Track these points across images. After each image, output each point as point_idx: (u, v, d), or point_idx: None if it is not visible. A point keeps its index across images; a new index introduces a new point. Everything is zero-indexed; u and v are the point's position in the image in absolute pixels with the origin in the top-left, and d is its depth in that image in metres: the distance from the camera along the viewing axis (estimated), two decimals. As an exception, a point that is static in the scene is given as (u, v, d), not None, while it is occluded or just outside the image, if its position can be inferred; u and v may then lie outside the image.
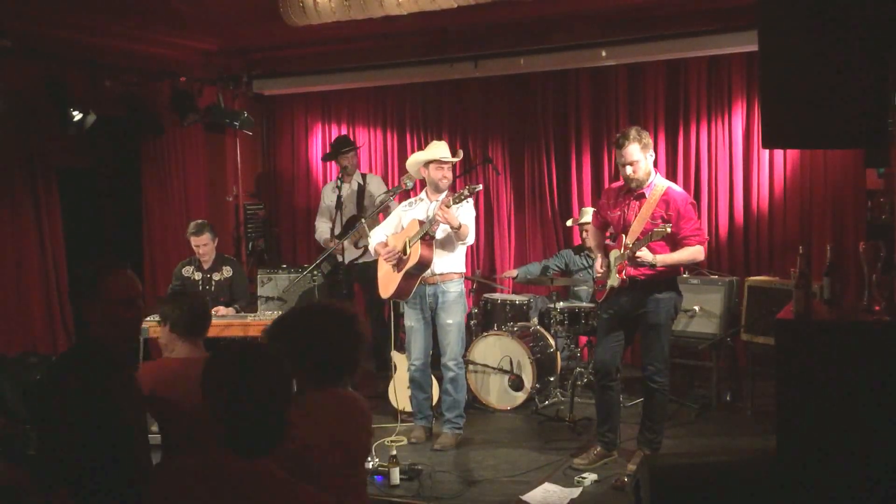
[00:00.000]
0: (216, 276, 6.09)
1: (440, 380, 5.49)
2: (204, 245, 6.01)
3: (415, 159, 5.24)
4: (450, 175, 5.16)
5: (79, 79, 6.39)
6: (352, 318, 2.57)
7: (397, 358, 5.73)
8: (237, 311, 5.97)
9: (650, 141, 4.48)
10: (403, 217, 5.22)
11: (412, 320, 5.20)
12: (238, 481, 1.97)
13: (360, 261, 6.38)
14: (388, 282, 5.19)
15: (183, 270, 6.14)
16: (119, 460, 2.52)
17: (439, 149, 5.18)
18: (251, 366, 2.04)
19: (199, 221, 6.17)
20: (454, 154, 5.25)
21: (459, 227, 4.90)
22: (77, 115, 6.23)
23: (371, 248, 5.33)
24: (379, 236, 5.25)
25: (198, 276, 6.10)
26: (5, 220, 6.44)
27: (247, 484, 1.97)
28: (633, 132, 4.41)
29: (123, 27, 6.49)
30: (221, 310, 5.83)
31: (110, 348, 2.62)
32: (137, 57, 6.96)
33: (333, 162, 7.17)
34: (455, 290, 5.13)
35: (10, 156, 6.41)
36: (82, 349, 2.74)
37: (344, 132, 8.05)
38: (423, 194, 5.24)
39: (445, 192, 5.12)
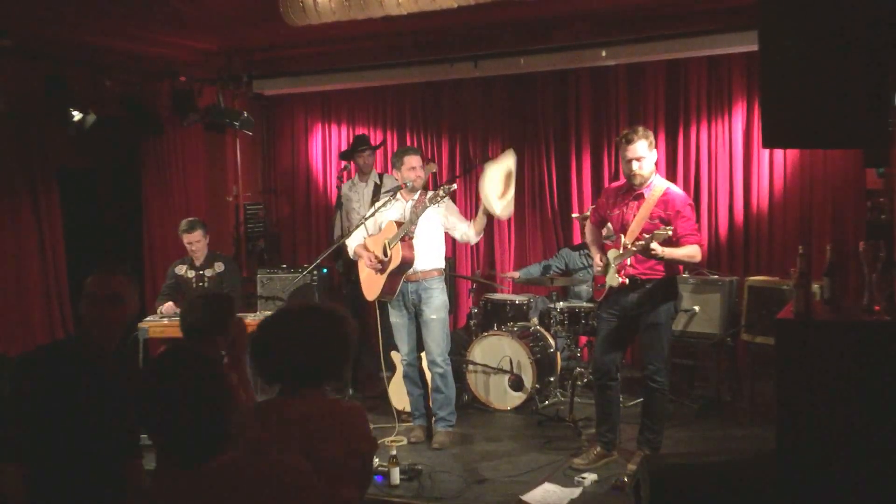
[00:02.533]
0: (208, 273, 6.12)
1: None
2: (196, 242, 6.04)
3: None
4: (423, 174, 5.20)
5: (79, 79, 6.39)
6: (338, 321, 2.47)
7: (397, 358, 5.73)
8: None
9: (654, 140, 4.54)
10: (378, 218, 5.24)
11: (396, 316, 5.23)
12: (210, 484, 1.88)
13: None
14: (371, 284, 5.20)
15: (176, 269, 6.16)
16: (73, 447, 2.67)
17: (410, 153, 5.26)
18: (177, 372, 1.93)
19: (191, 219, 6.19)
20: (425, 162, 5.33)
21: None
22: (77, 115, 6.24)
23: (350, 251, 5.35)
24: (357, 239, 5.27)
25: (191, 273, 6.12)
26: (5, 220, 6.44)
27: (220, 481, 1.88)
28: (641, 129, 4.48)
29: (123, 27, 6.48)
30: None
31: (91, 342, 2.82)
32: (137, 57, 6.96)
33: (341, 161, 7.18)
34: (437, 286, 5.16)
35: (10, 156, 6.41)
36: (63, 341, 3.01)
37: (344, 132, 8.06)
38: (397, 194, 5.25)
39: (419, 192, 5.14)
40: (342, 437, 2.35)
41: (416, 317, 5.20)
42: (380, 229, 5.21)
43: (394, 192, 5.30)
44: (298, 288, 6.35)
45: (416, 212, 4.99)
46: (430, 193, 4.97)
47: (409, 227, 4.97)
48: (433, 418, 5.26)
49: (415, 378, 5.33)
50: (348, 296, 6.81)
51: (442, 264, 5.25)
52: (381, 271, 5.10)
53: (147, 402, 1.92)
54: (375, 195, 6.67)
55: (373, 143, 7.31)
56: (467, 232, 5.16)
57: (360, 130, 7.99)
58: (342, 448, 2.34)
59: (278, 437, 2.32)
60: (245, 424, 2.36)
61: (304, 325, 2.44)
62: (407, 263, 5.02)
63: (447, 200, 5.06)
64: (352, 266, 6.48)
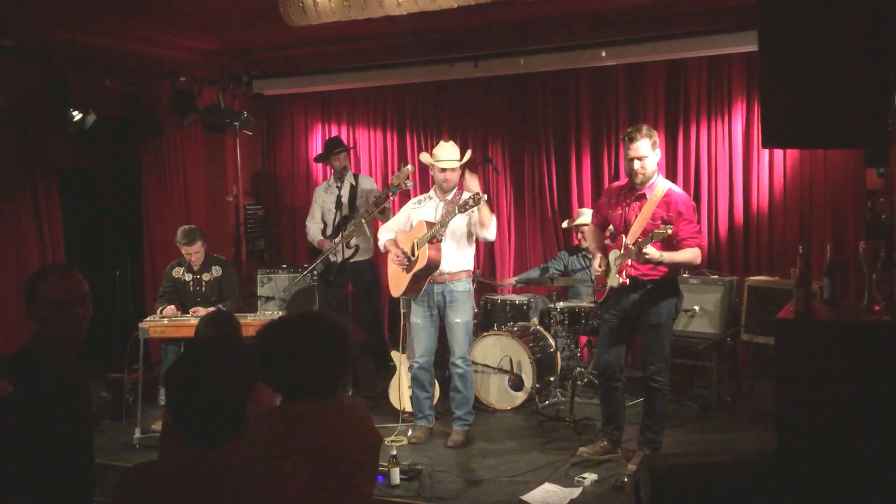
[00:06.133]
0: (206, 277, 6.08)
1: (440, 380, 5.48)
2: (196, 253, 6.00)
3: (424, 160, 5.32)
4: (453, 177, 5.16)
5: (79, 79, 6.38)
6: (340, 333, 2.44)
7: (397, 358, 5.73)
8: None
9: (658, 140, 4.51)
10: (412, 215, 5.24)
11: (419, 317, 5.19)
12: (208, 471, 1.98)
13: (353, 260, 6.37)
14: (398, 281, 5.20)
15: (173, 272, 6.12)
16: (40, 465, 2.51)
17: (443, 151, 5.18)
18: (207, 358, 2.07)
19: (188, 228, 6.08)
20: (462, 154, 5.22)
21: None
22: (77, 115, 6.22)
23: (381, 244, 5.35)
24: (388, 233, 5.26)
25: (188, 276, 6.09)
26: (5, 220, 6.43)
27: (218, 471, 1.98)
28: (644, 128, 4.46)
29: (123, 27, 6.48)
30: (200, 311, 5.74)
31: (53, 349, 2.65)
32: (137, 57, 6.95)
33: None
34: (463, 288, 5.14)
35: (10, 156, 6.40)
36: (24, 352, 2.79)
37: (344, 132, 8.05)
38: (431, 192, 5.25)
39: (454, 192, 5.13)
40: (350, 432, 2.39)
41: (441, 318, 5.18)
42: (411, 227, 5.21)
43: (394, 191, 5.29)
44: (300, 289, 6.35)
45: (446, 216, 4.97)
46: (462, 201, 4.93)
47: (439, 230, 4.95)
48: (440, 419, 5.23)
49: (424, 381, 5.25)
50: (341, 295, 6.79)
51: (470, 266, 5.22)
52: (407, 270, 5.09)
53: (184, 381, 2.03)
54: (352, 196, 6.68)
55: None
56: (482, 234, 5.13)
57: (361, 130, 8.01)
58: (352, 443, 2.38)
59: (288, 436, 2.31)
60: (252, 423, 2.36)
61: (303, 339, 2.40)
62: (433, 265, 5.00)
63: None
64: (342, 268, 6.50)
